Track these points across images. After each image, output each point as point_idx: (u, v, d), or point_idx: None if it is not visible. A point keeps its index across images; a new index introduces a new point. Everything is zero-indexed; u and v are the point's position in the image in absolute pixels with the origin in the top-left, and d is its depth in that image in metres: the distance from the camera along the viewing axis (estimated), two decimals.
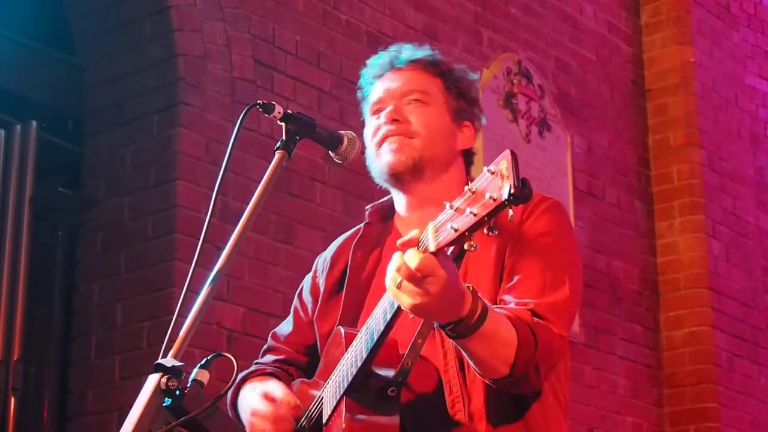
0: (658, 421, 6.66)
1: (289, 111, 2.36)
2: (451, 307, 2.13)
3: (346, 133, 2.45)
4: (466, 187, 1.93)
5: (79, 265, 5.01)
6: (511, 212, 1.87)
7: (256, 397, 2.50)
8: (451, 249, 2.05)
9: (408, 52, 2.63)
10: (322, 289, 2.66)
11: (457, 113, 2.59)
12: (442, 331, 2.23)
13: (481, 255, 2.39)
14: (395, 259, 2.08)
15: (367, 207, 2.67)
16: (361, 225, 2.67)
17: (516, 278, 2.38)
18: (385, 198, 2.66)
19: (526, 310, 2.31)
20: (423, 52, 2.64)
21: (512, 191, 1.84)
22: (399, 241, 2.11)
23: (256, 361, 2.76)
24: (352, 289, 2.56)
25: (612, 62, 7.00)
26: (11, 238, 4.88)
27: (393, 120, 2.53)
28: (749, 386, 6.89)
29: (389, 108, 2.55)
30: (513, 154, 1.86)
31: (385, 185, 2.60)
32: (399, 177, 2.53)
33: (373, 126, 2.58)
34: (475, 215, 1.89)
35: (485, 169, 1.90)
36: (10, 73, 5.01)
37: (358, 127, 5.46)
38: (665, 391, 6.72)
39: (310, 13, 5.40)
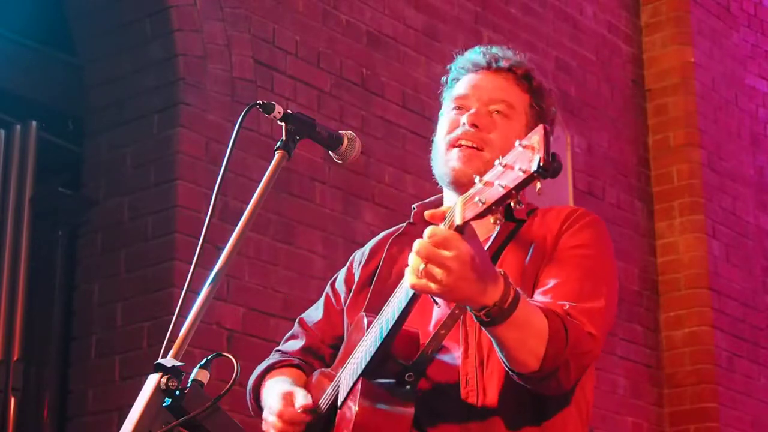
0: (658, 421, 6.66)
1: (289, 111, 2.35)
2: (479, 288, 2.07)
3: (346, 133, 2.43)
4: (497, 161, 1.92)
5: (79, 265, 5.01)
6: (539, 185, 1.86)
7: (276, 396, 2.46)
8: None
9: (507, 57, 2.59)
10: (356, 280, 2.63)
11: None
12: (466, 322, 2.18)
13: (515, 264, 2.38)
14: (416, 243, 2.04)
15: (413, 205, 2.64)
16: (404, 223, 2.64)
17: (553, 282, 2.34)
18: (433, 198, 2.62)
19: (560, 306, 2.26)
20: (520, 61, 2.60)
21: (541, 163, 1.83)
22: (427, 213, 2.09)
23: (277, 348, 2.73)
24: (382, 281, 2.52)
25: (612, 62, 7.00)
26: (11, 238, 4.88)
27: (473, 125, 2.49)
28: (749, 386, 6.89)
29: (473, 110, 2.51)
30: (545, 128, 1.86)
31: (442, 185, 2.57)
32: (460, 185, 2.48)
33: (449, 121, 2.54)
34: (503, 188, 1.89)
35: (517, 142, 1.90)
36: (10, 73, 5.01)
37: (358, 127, 5.48)
38: (665, 391, 6.72)
39: (310, 13, 5.40)
